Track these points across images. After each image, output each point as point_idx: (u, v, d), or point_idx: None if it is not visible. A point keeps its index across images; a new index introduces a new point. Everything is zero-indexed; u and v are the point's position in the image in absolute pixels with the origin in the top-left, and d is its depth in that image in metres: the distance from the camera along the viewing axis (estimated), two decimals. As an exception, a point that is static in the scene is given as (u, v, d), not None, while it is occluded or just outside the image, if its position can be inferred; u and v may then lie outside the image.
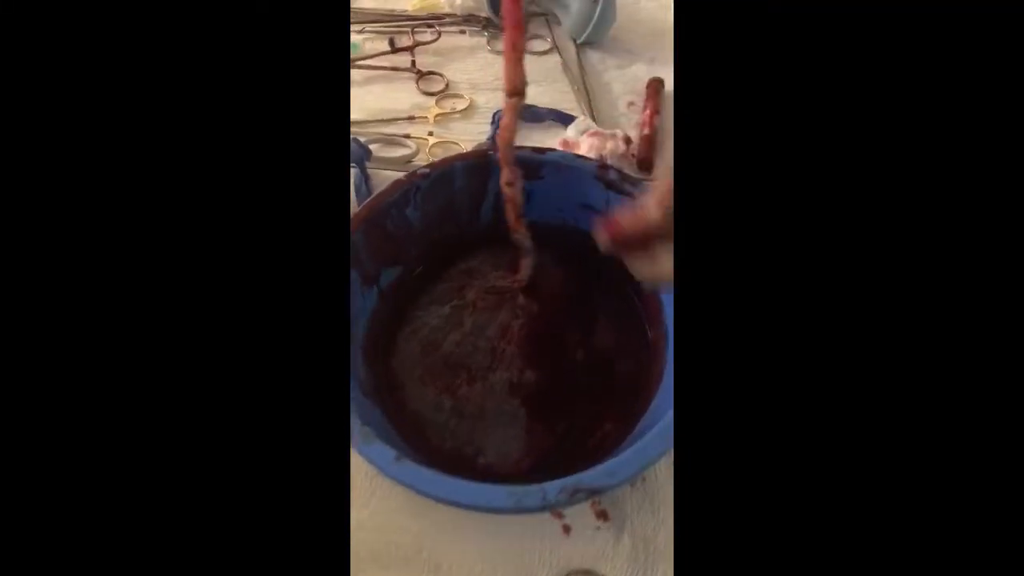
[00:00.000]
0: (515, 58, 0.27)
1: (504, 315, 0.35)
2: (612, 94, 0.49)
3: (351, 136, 0.42)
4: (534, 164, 0.36)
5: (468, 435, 0.32)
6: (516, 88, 0.28)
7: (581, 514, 0.31)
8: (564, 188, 0.36)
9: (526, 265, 0.35)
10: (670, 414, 0.27)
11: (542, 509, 0.24)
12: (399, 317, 0.35)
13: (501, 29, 0.54)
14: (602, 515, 0.31)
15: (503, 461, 0.31)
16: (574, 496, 0.24)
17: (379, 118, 0.47)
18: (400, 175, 0.35)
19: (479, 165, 0.35)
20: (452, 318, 0.35)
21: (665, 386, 0.30)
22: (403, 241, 0.35)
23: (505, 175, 0.30)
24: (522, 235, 0.33)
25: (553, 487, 0.25)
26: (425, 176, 0.35)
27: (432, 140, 0.46)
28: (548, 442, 0.32)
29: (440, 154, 0.45)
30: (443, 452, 0.31)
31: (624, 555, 0.30)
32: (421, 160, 0.45)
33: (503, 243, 0.36)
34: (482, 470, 0.31)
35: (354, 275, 0.33)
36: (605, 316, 0.35)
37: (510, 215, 0.32)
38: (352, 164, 0.41)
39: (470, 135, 0.46)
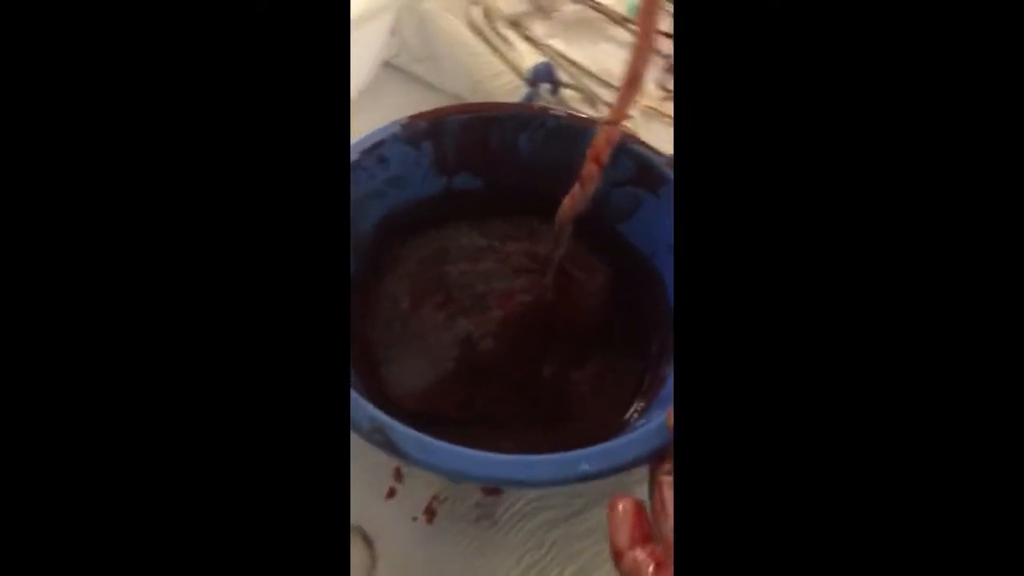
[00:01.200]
0: (635, 81, 0.23)
1: (520, 283, 0.32)
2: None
3: (544, 60, 0.41)
4: (658, 176, 0.32)
5: (390, 343, 0.30)
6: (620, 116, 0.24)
7: (415, 498, 0.28)
8: (667, 221, 0.31)
9: (553, 251, 0.31)
10: (549, 457, 0.23)
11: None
12: (442, 217, 0.34)
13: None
14: (428, 514, 0.28)
15: (395, 388, 0.29)
16: (372, 433, 0.22)
17: (600, 76, 0.45)
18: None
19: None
20: (479, 252, 0.33)
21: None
22: (499, 162, 0.34)
23: (593, 163, 0.26)
24: (566, 220, 0.29)
25: (370, 414, 0.22)
26: (557, 118, 0.33)
27: (622, 121, 0.43)
28: (446, 405, 0.29)
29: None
30: (358, 337, 0.30)
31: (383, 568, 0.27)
32: (598, 129, 0.42)
33: (587, 229, 0.33)
34: (374, 377, 0.29)
35: (429, 151, 0.32)
36: (599, 364, 0.31)
37: (573, 198, 0.28)
38: (531, 83, 0.40)
39: (653, 139, 0.42)
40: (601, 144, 0.26)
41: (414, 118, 0.32)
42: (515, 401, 0.30)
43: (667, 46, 0.47)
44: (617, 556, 0.20)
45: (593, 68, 0.46)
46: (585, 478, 0.22)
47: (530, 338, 0.30)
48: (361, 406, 0.22)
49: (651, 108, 0.44)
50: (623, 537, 0.20)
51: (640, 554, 0.20)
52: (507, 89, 0.41)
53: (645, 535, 0.20)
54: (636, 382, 0.30)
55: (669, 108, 0.45)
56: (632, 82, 0.25)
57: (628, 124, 0.43)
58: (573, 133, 0.33)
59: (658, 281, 0.32)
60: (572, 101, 0.43)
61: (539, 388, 0.30)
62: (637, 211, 0.33)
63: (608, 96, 0.44)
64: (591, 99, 0.44)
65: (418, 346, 0.30)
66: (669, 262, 0.31)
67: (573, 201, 0.28)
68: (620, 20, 0.49)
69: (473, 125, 0.32)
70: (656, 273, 0.32)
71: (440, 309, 0.31)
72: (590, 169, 0.27)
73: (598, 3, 0.50)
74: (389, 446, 0.22)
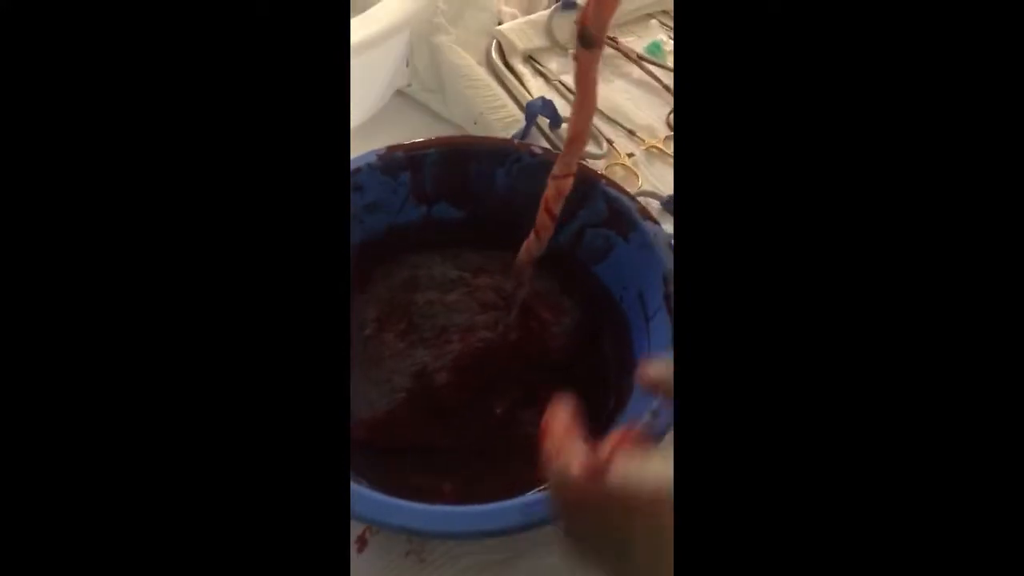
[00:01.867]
0: (578, 138, 0.23)
1: (484, 318, 0.32)
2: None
3: (542, 95, 0.41)
4: (629, 222, 0.31)
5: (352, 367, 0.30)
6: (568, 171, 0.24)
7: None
8: (638, 268, 0.31)
9: (515, 292, 0.30)
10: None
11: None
12: (419, 245, 0.34)
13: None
14: (360, 542, 0.28)
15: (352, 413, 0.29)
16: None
17: (608, 113, 0.45)
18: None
19: (589, 181, 0.32)
20: (449, 284, 0.33)
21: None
22: (476, 194, 0.34)
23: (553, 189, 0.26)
24: (523, 266, 0.29)
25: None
26: (533, 155, 0.33)
27: (623, 160, 0.42)
28: (392, 435, 0.29)
29: (619, 175, 0.42)
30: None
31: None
32: (598, 166, 0.42)
33: (562, 269, 0.33)
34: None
35: (408, 180, 0.33)
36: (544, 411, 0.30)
37: (529, 246, 0.28)
38: (528, 117, 0.40)
39: (655, 180, 0.42)
40: (552, 196, 0.26)
41: (391, 149, 0.32)
42: (462, 437, 0.29)
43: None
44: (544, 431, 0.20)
45: (602, 105, 0.46)
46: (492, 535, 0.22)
47: (485, 375, 0.30)
48: None
49: (655, 148, 0.43)
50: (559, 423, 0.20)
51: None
52: (507, 122, 0.41)
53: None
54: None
55: (671, 147, 0.44)
56: (576, 139, 0.25)
57: (630, 164, 0.42)
58: (549, 168, 0.32)
59: (624, 327, 0.31)
60: (574, 137, 0.43)
61: (488, 427, 0.29)
62: (610, 254, 0.32)
63: (612, 133, 0.44)
64: (594, 136, 0.44)
65: (373, 373, 0.30)
66: (637, 309, 0.31)
67: (529, 249, 0.28)
68: (636, 59, 0.49)
69: (450, 158, 0.33)
70: (623, 318, 0.31)
71: (401, 337, 0.31)
72: (543, 219, 0.27)
73: (616, 41, 0.50)
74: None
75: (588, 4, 0.21)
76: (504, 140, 0.35)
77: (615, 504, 0.17)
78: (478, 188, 0.34)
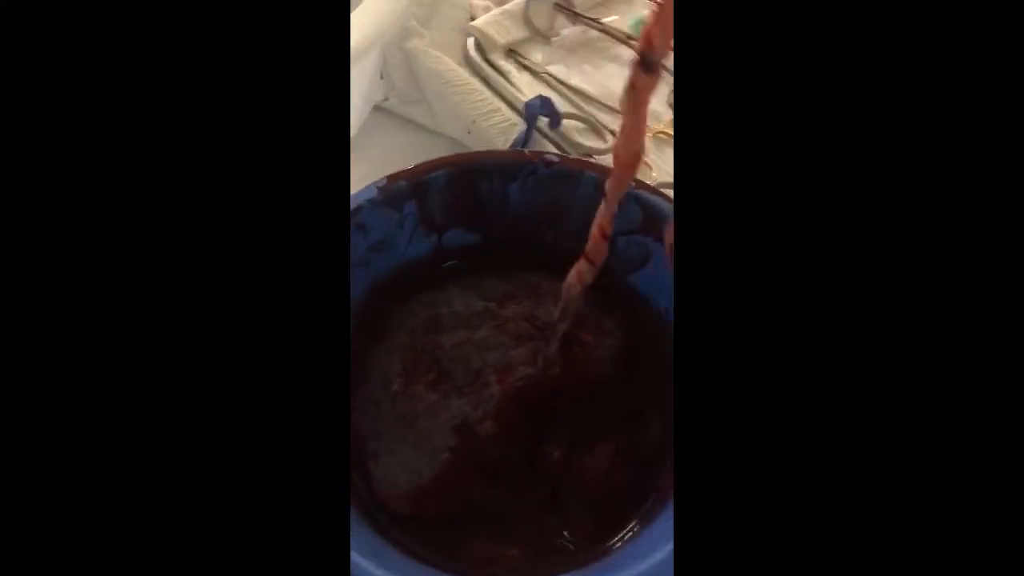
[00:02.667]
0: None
1: (520, 353, 0.28)
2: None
3: (539, 94, 0.38)
4: (666, 226, 0.28)
5: (379, 432, 0.27)
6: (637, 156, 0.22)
7: None
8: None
9: (558, 324, 0.27)
10: None
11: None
12: (434, 280, 0.31)
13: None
14: None
15: (385, 488, 0.26)
16: None
17: (605, 101, 0.42)
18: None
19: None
20: (475, 318, 0.30)
21: None
22: (490, 214, 0.31)
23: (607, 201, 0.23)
24: (573, 296, 0.26)
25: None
26: (549, 164, 0.30)
27: (632, 150, 0.39)
28: (443, 504, 0.26)
29: (629, 168, 0.39)
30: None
31: None
32: (604, 161, 0.39)
33: (598, 284, 0.30)
34: (363, 476, 0.26)
35: (413, 210, 0.30)
36: (610, 446, 0.27)
37: (580, 273, 0.25)
38: (528, 120, 0.37)
39: (669, 168, 0.39)
40: (607, 220, 0.24)
41: (392, 179, 0.29)
42: (521, 493, 0.26)
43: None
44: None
45: (597, 93, 0.43)
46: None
47: (534, 418, 0.27)
48: None
49: (663, 134, 0.40)
50: None
51: None
52: (502, 127, 0.38)
53: None
54: (648, 471, 0.26)
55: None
56: (629, 166, 0.22)
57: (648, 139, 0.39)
58: (567, 177, 0.29)
59: (670, 339, 0.28)
60: (575, 132, 0.40)
61: (547, 476, 0.26)
62: (648, 262, 0.29)
63: (613, 123, 0.41)
64: (596, 129, 0.40)
65: (409, 435, 0.27)
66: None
67: (581, 276, 0.25)
68: (624, 39, 0.45)
69: (458, 179, 0.29)
70: (670, 330, 0.28)
71: (433, 388, 0.28)
72: (597, 243, 0.24)
73: (599, 23, 0.46)
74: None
75: (650, 29, 0.18)
76: (515, 152, 0.32)
77: None
78: (492, 208, 0.30)
